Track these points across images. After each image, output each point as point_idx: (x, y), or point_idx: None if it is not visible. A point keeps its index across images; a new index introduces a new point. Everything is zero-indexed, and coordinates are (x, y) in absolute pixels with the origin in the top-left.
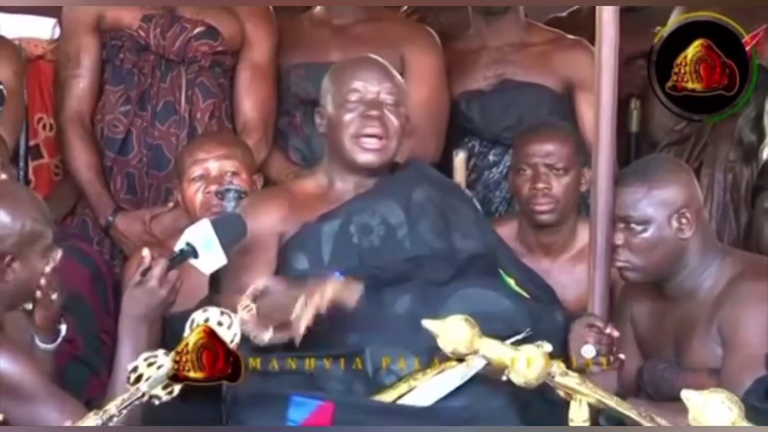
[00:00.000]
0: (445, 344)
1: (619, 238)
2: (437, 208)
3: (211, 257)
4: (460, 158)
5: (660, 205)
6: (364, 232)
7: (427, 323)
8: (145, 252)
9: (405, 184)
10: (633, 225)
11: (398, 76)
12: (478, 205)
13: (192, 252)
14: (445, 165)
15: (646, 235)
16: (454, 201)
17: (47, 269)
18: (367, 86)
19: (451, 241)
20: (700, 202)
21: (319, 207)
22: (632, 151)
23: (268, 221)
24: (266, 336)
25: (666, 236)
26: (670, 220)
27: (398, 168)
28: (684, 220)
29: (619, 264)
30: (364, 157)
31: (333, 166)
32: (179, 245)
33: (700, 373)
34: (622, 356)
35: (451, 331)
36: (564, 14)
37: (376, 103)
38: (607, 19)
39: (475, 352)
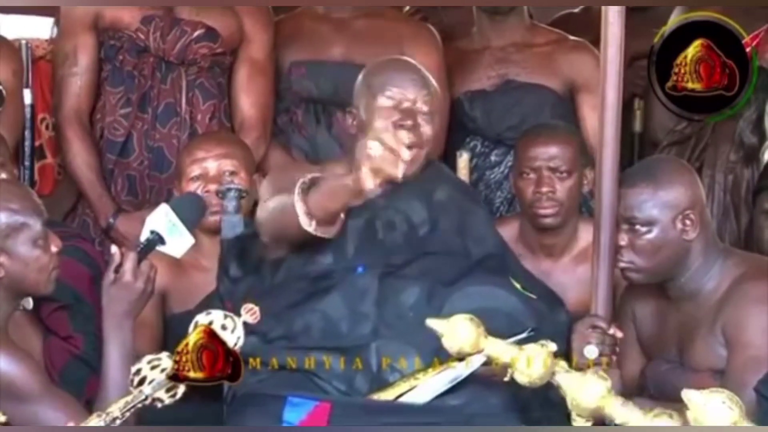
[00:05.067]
0: (451, 344)
1: (623, 239)
2: (457, 208)
3: (178, 240)
4: (463, 159)
5: (665, 206)
6: (389, 228)
7: (432, 323)
8: (114, 249)
9: (428, 184)
10: (637, 226)
11: (434, 82)
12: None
13: (158, 239)
14: (444, 162)
15: (650, 236)
16: (468, 202)
17: (54, 249)
18: (403, 93)
19: (466, 242)
20: (703, 202)
21: None
22: (635, 151)
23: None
24: (310, 226)
25: (670, 238)
26: (674, 222)
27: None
28: (688, 222)
29: (622, 265)
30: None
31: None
32: (144, 235)
33: (703, 374)
34: (614, 357)
35: (457, 330)
36: (577, 10)
37: (411, 112)
38: (613, 19)
39: (480, 352)
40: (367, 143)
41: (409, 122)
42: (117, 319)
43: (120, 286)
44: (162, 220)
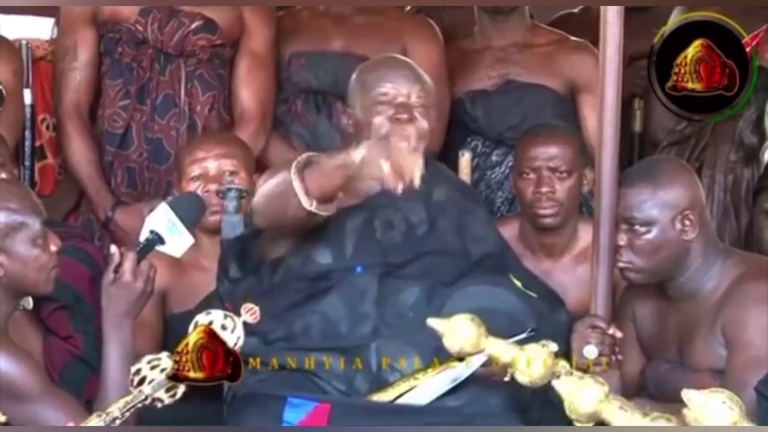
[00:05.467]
0: (451, 344)
1: (622, 239)
2: (456, 208)
3: (177, 240)
4: (465, 158)
5: (664, 206)
6: (387, 228)
7: (433, 322)
8: (113, 249)
9: (426, 184)
10: (637, 226)
11: (428, 79)
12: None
13: (158, 239)
14: (445, 161)
15: (649, 236)
16: (467, 202)
17: (53, 248)
18: (397, 89)
19: (465, 242)
20: (702, 203)
21: (343, 198)
22: (635, 151)
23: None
24: (309, 205)
25: (669, 238)
26: (674, 222)
27: None
28: (687, 222)
29: (621, 265)
30: None
31: None
32: (143, 234)
33: (703, 374)
34: (620, 357)
35: (458, 330)
36: (576, 10)
37: (406, 106)
38: (612, 19)
39: (481, 352)
40: (381, 161)
41: (404, 116)
42: (116, 319)
43: (119, 285)
44: (161, 219)
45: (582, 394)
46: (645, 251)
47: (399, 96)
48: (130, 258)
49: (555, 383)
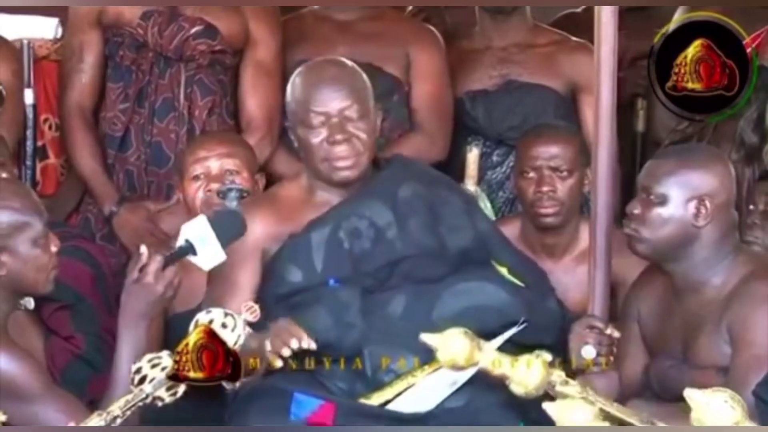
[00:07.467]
0: (445, 358)
1: (636, 207)
2: (425, 203)
3: (209, 254)
4: (473, 153)
5: (683, 185)
6: (354, 236)
7: (426, 337)
8: (143, 249)
9: (390, 183)
10: (651, 197)
11: (361, 79)
12: (477, 192)
13: (190, 248)
14: (449, 163)
15: (660, 209)
16: (441, 192)
17: (53, 249)
18: (328, 110)
19: (441, 235)
20: (728, 197)
21: (305, 213)
22: (638, 150)
23: (252, 236)
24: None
25: (679, 217)
26: (688, 203)
27: (382, 166)
28: (702, 208)
29: (627, 231)
30: (340, 175)
31: (313, 177)
32: (179, 241)
33: (707, 371)
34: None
35: (451, 344)
36: (579, 10)
37: (340, 126)
38: (606, 19)
39: (475, 365)
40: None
41: (339, 137)
42: (133, 318)
43: (141, 286)
44: (197, 231)
45: (571, 415)
46: (652, 223)
47: (332, 117)
48: (156, 261)
49: (545, 405)
